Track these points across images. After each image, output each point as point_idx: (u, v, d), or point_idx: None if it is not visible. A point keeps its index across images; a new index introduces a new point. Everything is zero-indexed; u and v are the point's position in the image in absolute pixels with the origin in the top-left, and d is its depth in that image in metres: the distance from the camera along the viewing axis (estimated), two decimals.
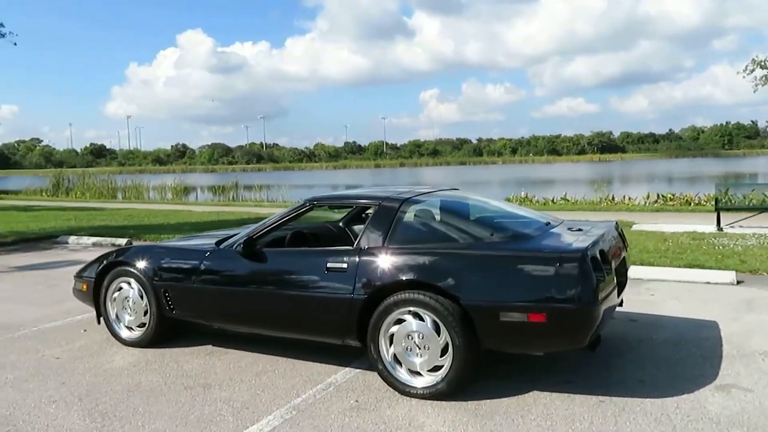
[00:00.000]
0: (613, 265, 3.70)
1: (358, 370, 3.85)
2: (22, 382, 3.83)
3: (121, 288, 4.50)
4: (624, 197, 15.50)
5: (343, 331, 3.68)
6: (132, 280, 4.43)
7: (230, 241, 4.20)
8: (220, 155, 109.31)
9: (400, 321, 3.50)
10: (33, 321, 5.24)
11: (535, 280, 3.26)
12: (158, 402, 3.49)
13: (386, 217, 3.79)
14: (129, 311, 4.48)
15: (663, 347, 4.16)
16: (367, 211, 4.56)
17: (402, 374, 3.50)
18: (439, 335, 3.38)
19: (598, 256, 3.41)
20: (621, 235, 4.26)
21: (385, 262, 3.58)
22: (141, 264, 4.38)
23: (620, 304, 4.20)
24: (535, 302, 3.21)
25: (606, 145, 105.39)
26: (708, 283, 5.94)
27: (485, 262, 3.39)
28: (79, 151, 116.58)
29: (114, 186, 31.13)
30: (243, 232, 4.22)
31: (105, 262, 4.59)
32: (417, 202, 3.99)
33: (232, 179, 33.90)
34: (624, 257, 4.07)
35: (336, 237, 4.87)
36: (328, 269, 3.72)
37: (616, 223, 4.40)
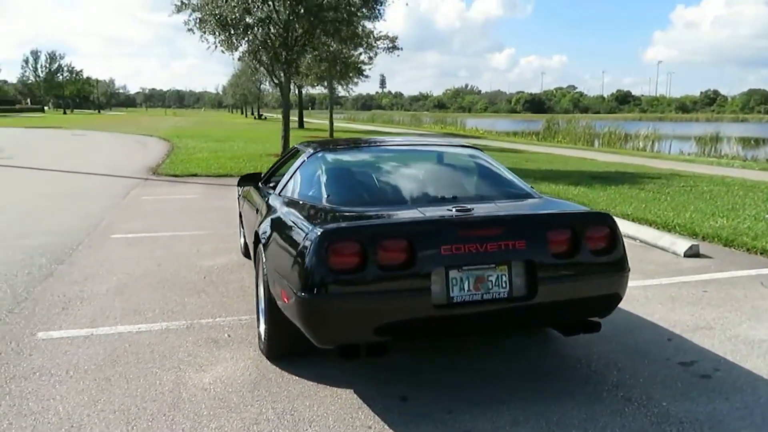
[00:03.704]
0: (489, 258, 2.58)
1: None
2: (133, 264, 5.17)
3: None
4: None
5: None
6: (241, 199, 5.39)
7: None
8: (757, 103, 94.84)
9: None
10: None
11: (290, 257, 2.70)
12: (158, 296, 4.30)
13: (296, 166, 3.65)
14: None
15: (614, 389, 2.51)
16: None
17: (262, 324, 3.38)
18: None
19: (391, 245, 2.51)
20: (560, 222, 2.68)
21: (267, 209, 3.50)
22: (240, 187, 5.27)
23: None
24: (285, 280, 2.69)
25: None
26: None
27: (278, 225, 3.02)
28: (605, 97, 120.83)
29: (592, 133, 31.84)
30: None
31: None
32: (331, 153, 3.61)
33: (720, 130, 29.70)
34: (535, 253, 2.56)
35: None
36: (257, 209, 3.81)
37: (584, 209, 2.80)
